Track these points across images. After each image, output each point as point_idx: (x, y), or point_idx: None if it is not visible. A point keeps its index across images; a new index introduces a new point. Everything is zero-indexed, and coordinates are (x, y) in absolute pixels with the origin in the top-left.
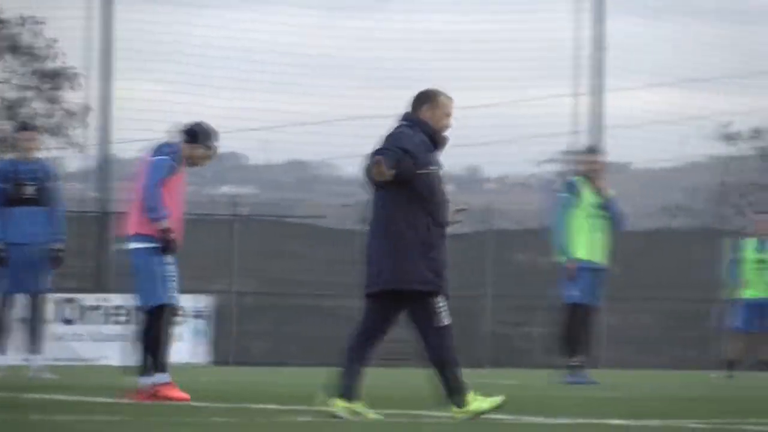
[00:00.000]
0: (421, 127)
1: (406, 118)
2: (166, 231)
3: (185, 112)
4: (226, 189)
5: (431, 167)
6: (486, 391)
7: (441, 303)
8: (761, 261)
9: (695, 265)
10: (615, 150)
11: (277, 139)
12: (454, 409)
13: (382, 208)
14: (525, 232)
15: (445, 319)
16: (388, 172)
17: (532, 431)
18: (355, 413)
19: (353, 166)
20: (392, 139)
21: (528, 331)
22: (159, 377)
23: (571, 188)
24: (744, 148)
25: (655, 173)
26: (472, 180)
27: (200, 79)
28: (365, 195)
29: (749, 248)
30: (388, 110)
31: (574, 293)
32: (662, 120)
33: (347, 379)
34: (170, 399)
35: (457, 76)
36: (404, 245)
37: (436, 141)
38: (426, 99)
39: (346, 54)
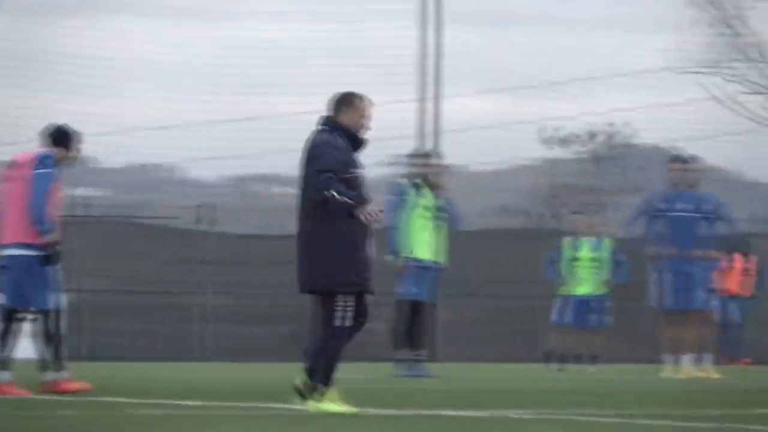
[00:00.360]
0: (340, 131)
1: (326, 122)
2: (52, 243)
3: (33, 117)
4: (81, 191)
5: (355, 170)
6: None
7: (349, 302)
8: (592, 260)
9: (526, 263)
10: (452, 153)
11: (128, 143)
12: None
13: (313, 212)
14: None
15: (346, 321)
16: (379, 215)
17: (373, 423)
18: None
19: (202, 169)
20: (324, 148)
21: (370, 326)
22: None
23: (409, 190)
24: (572, 152)
25: (488, 175)
26: None
27: (50, 84)
28: (214, 197)
29: (577, 247)
30: (235, 114)
31: (411, 290)
32: (495, 125)
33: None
34: (9, 394)
35: (304, 82)
36: (331, 247)
37: (356, 143)
38: (344, 102)
39: (196, 61)
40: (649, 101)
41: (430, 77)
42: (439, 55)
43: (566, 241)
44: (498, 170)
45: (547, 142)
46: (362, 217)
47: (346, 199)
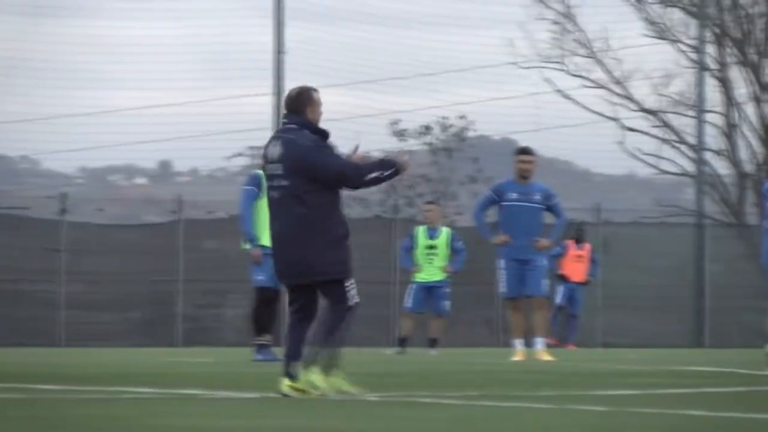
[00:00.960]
0: (308, 128)
1: (295, 122)
2: None
3: None
4: None
5: None
6: (182, 369)
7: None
8: (430, 247)
9: (370, 251)
10: None
11: None
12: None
13: (295, 208)
14: (214, 222)
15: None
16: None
17: (225, 405)
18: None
19: (61, 161)
20: (319, 150)
21: (219, 312)
22: None
23: (256, 181)
24: (412, 144)
25: None
26: (164, 173)
27: None
28: (72, 188)
29: (420, 235)
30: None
31: (260, 277)
32: (337, 118)
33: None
34: None
35: (150, 77)
36: (332, 236)
37: (324, 136)
38: (306, 101)
39: (41, 57)
40: (493, 95)
41: (283, 72)
42: (280, 51)
43: (420, 229)
44: None
45: (397, 134)
46: (403, 170)
47: (381, 173)
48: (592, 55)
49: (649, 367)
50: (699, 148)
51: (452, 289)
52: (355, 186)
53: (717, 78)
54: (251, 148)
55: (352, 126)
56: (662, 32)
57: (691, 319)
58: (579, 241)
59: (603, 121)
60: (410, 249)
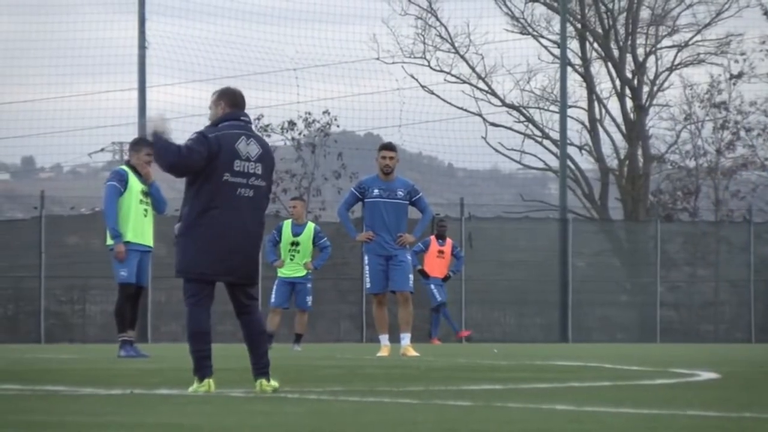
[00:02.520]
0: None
1: (250, 120)
2: None
3: None
4: None
5: None
6: (46, 366)
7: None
8: (294, 243)
9: None
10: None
11: None
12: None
13: (262, 211)
14: (77, 217)
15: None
16: None
17: (88, 402)
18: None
19: None
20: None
21: (82, 308)
22: None
23: (120, 177)
24: (276, 139)
25: None
26: (27, 169)
27: None
28: None
29: (286, 230)
30: None
31: (123, 273)
32: (201, 113)
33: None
34: None
35: (11, 73)
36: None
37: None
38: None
39: None
40: (356, 90)
41: (145, 67)
42: (142, 46)
43: (285, 224)
44: None
45: (260, 129)
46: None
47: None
48: (455, 50)
49: (512, 361)
50: (562, 143)
51: (316, 284)
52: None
53: (579, 73)
54: (114, 143)
55: None
56: (525, 28)
57: (554, 313)
58: (441, 237)
59: (466, 116)
60: (276, 243)
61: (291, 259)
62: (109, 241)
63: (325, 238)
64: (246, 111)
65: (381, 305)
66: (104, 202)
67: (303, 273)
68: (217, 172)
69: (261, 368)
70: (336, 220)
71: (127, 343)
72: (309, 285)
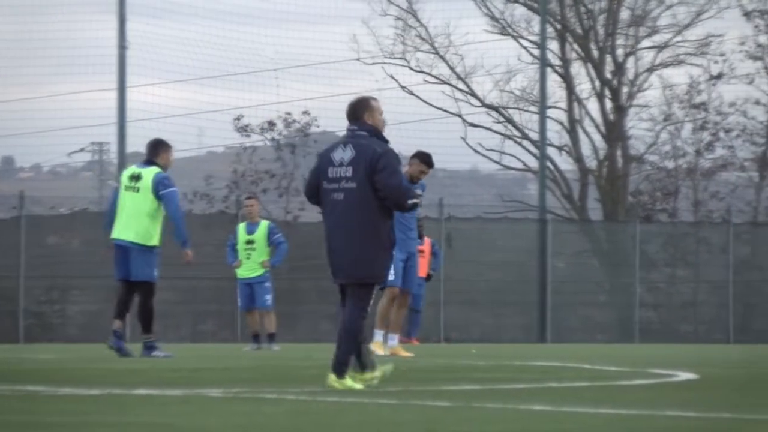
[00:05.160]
0: (378, 137)
1: (363, 128)
2: None
3: None
4: None
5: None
6: (25, 366)
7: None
8: (249, 242)
9: (212, 247)
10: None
11: None
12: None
13: (361, 210)
14: (56, 217)
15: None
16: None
17: (67, 402)
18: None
19: None
20: (390, 158)
21: (62, 308)
22: None
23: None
24: (256, 139)
25: (177, 162)
26: (7, 169)
27: None
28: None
29: (240, 231)
30: None
31: (155, 273)
32: (180, 114)
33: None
34: None
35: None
36: (381, 243)
37: (384, 140)
38: (363, 108)
39: None
40: (336, 91)
41: (125, 67)
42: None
43: (241, 225)
44: (192, 157)
45: (240, 130)
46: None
47: (416, 201)
48: (435, 50)
49: (491, 362)
50: (541, 143)
51: (296, 285)
52: (397, 204)
53: (559, 74)
54: (94, 143)
55: (196, 122)
56: (504, 28)
57: (533, 314)
58: (419, 236)
59: (446, 116)
60: (234, 246)
61: (248, 258)
62: (155, 242)
63: (279, 235)
64: (355, 118)
65: (392, 301)
66: (174, 209)
67: (260, 272)
68: (321, 183)
69: (333, 363)
70: (314, 220)
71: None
72: (267, 284)
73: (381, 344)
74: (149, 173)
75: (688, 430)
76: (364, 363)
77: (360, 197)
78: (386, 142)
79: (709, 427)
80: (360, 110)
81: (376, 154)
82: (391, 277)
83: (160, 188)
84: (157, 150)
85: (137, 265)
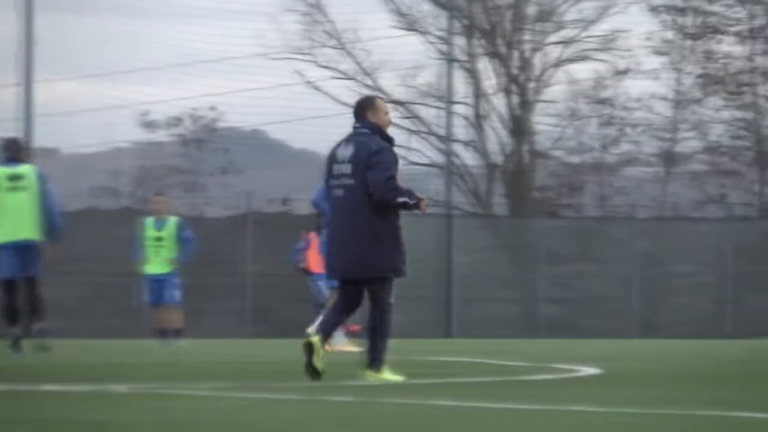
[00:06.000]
0: (380, 134)
1: (365, 126)
2: None
3: None
4: None
5: (398, 166)
6: None
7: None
8: (158, 239)
9: (119, 243)
10: (45, 136)
11: None
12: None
13: (359, 207)
14: None
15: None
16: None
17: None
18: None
19: None
20: (383, 154)
21: None
22: None
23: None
24: (162, 135)
25: (83, 157)
26: None
27: None
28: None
29: (149, 226)
30: None
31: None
32: (87, 109)
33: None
34: None
35: None
36: (386, 237)
37: (389, 141)
38: (368, 106)
39: None
40: (243, 86)
41: (27, 62)
42: (30, 41)
43: (149, 220)
44: (98, 152)
45: (146, 125)
46: (421, 211)
47: (407, 200)
48: (341, 46)
49: (396, 357)
50: (448, 139)
51: (203, 281)
52: (383, 199)
53: (466, 69)
54: None
55: (103, 117)
56: (411, 24)
57: (438, 309)
58: (320, 232)
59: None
60: (141, 241)
61: (156, 255)
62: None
63: (189, 231)
64: (360, 116)
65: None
66: (56, 203)
67: (169, 269)
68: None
69: (367, 360)
70: (220, 216)
71: (16, 340)
72: (176, 280)
73: (347, 342)
74: (30, 171)
75: (592, 425)
76: (328, 334)
77: (358, 193)
78: (389, 140)
79: (613, 422)
80: (364, 108)
81: (371, 150)
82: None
83: (44, 183)
84: (27, 150)
85: (36, 262)
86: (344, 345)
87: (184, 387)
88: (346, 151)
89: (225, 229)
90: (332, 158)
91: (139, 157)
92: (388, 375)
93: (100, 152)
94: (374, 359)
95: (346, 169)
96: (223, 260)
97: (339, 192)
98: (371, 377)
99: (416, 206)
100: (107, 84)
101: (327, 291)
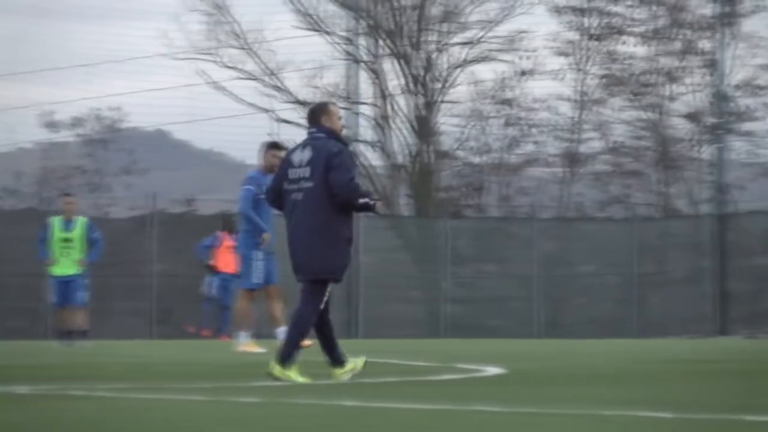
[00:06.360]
0: (335, 138)
1: (322, 131)
2: None
3: None
4: None
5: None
6: None
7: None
8: (66, 240)
9: (21, 243)
10: None
11: None
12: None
13: (318, 209)
14: None
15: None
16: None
17: None
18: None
19: None
20: (343, 157)
21: None
22: None
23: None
24: (65, 135)
25: None
26: None
27: None
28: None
29: (56, 227)
30: None
31: None
32: None
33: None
34: None
35: None
36: (336, 240)
37: (343, 143)
38: (322, 111)
39: None
40: (146, 86)
41: None
42: None
43: (56, 220)
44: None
45: (49, 125)
46: (378, 211)
47: (368, 200)
48: (245, 46)
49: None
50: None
51: (106, 281)
52: (346, 200)
53: (370, 70)
54: None
55: (4, 117)
56: (315, 24)
57: (344, 309)
58: (231, 231)
59: (256, 112)
60: (45, 240)
61: (64, 256)
62: None
63: (98, 232)
64: (314, 122)
65: (253, 300)
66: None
67: (77, 270)
68: (282, 185)
69: (278, 353)
70: (123, 216)
71: None
72: (85, 281)
73: (253, 343)
74: None
75: (495, 425)
76: (339, 358)
77: (317, 196)
78: (345, 144)
79: (515, 421)
80: (318, 114)
81: (331, 153)
82: (257, 279)
83: None
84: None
85: None
86: (249, 345)
87: (86, 388)
88: (303, 155)
89: (129, 229)
90: (288, 163)
91: (43, 158)
92: (294, 375)
93: (3, 153)
94: (287, 355)
95: (305, 172)
96: (128, 261)
97: (298, 196)
98: (276, 371)
99: (371, 209)
100: (8, 84)
101: (236, 292)
